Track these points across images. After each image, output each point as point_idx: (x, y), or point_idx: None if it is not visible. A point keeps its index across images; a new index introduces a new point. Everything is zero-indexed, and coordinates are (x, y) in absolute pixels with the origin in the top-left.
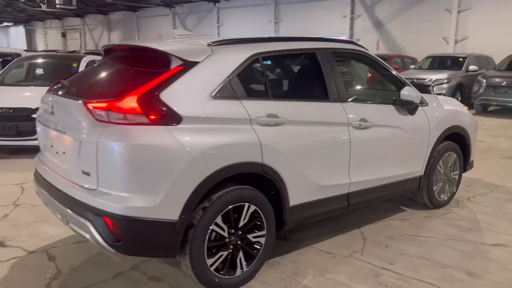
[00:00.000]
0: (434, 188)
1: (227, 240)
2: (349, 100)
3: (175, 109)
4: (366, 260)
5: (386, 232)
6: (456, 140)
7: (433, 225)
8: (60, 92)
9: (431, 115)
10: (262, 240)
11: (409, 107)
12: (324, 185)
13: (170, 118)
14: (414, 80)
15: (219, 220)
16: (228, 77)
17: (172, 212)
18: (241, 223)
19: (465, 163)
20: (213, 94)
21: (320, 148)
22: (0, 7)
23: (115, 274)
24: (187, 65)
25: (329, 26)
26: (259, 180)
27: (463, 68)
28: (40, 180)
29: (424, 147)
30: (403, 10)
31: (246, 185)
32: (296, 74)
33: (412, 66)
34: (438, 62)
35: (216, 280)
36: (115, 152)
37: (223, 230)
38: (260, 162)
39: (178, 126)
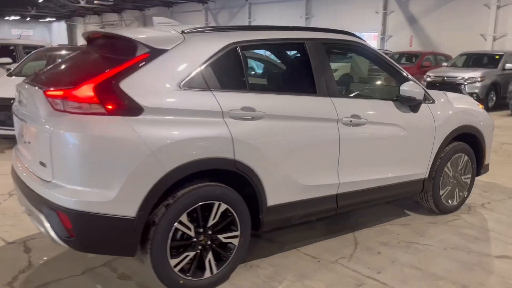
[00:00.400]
0: (441, 192)
1: (194, 240)
2: (341, 94)
3: (135, 99)
4: (352, 268)
5: (382, 238)
6: (468, 141)
7: (435, 232)
8: (30, 81)
9: (438, 113)
10: (236, 241)
11: (411, 104)
12: (308, 185)
13: (129, 108)
14: (445, 78)
15: (184, 218)
16: (200, 66)
17: (128, 208)
18: (211, 223)
19: (479, 167)
20: (182, 85)
21: (304, 145)
22: (42, 3)
23: (85, 270)
24: (154, 53)
25: (361, 22)
26: (233, 178)
27: (499, 66)
28: (12, 171)
29: (428, 147)
30: (438, 6)
31: (219, 182)
32: (280, 65)
33: (445, 64)
34: (473, 60)
35: (181, 282)
36: (69, 143)
37: (189, 229)
38: (231, 158)
39: (138, 117)
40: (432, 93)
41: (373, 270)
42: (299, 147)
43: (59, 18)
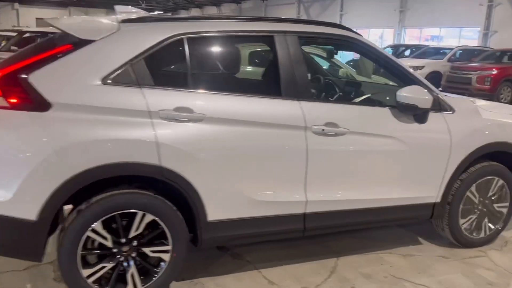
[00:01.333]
0: (461, 222)
1: (113, 250)
2: (316, 98)
3: (43, 93)
4: None
5: (369, 268)
6: (505, 162)
7: (441, 270)
8: None
9: (457, 126)
10: (166, 256)
11: (415, 113)
12: (263, 201)
13: (35, 103)
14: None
15: (98, 226)
16: (132, 60)
17: (28, 211)
18: (133, 234)
19: None
20: (104, 80)
21: (257, 155)
22: None
23: (28, 266)
24: (78, 44)
25: (460, 16)
26: (166, 187)
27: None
28: None
29: (440, 166)
30: None
31: (151, 190)
32: (238, 62)
33: None
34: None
35: None
36: None
37: (105, 239)
38: (157, 165)
39: (43, 113)
40: (453, 100)
41: None
42: (251, 157)
43: (166, 11)
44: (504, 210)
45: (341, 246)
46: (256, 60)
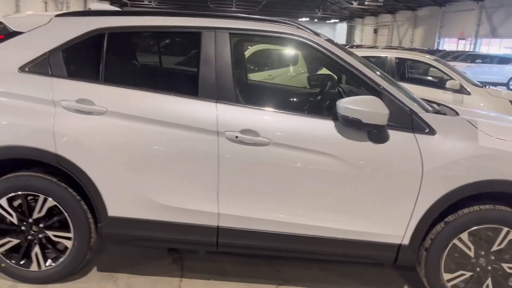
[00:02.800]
0: (447, 276)
1: (18, 227)
2: (237, 102)
3: None
4: None
5: None
6: None
7: None
8: None
9: (433, 152)
10: (69, 243)
11: (367, 129)
12: (169, 206)
13: None
14: None
15: (3, 203)
16: (51, 52)
17: None
18: (36, 215)
19: None
20: (22, 68)
21: (163, 156)
22: (328, 5)
23: None
24: (9, 35)
25: None
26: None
27: None
28: None
29: (406, 199)
30: None
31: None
32: (152, 58)
33: None
34: None
35: (3, 265)
36: None
37: (10, 215)
38: (53, 152)
39: None
40: (439, 119)
41: None
42: (156, 158)
43: (342, 19)
44: None
45: (293, 275)
46: (180, 57)
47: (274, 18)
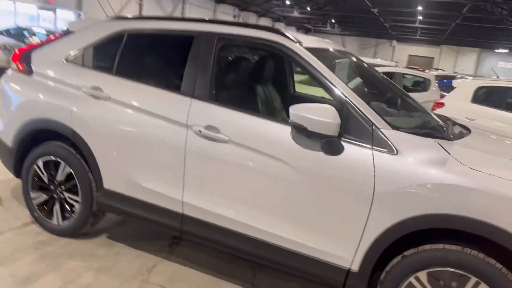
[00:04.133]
0: None
1: (47, 185)
2: (209, 99)
3: (32, 64)
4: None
5: None
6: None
7: None
8: None
9: (390, 173)
10: (78, 206)
11: (318, 139)
12: (145, 187)
13: (27, 70)
14: None
15: (40, 164)
16: (86, 48)
17: (8, 138)
18: (58, 178)
19: None
20: (66, 59)
21: (143, 141)
22: None
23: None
24: (65, 33)
25: None
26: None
27: None
28: None
29: (355, 220)
30: None
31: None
32: (155, 56)
33: None
34: None
35: (35, 214)
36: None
37: (43, 174)
38: (69, 126)
39: (29, 76)
40: (406, 137)
41: None
42: (138, 142)
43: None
44: None
45: (268, 282)
46: (175, 57)
47: (260, 25)
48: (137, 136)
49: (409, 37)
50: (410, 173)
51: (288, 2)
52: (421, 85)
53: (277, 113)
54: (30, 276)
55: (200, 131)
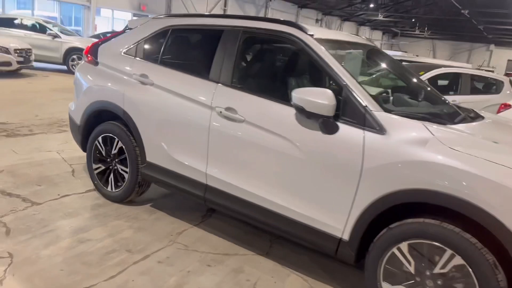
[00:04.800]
0: (385, 286)
1: (105, 158)
2: (232, 85)
3: (97, 56)
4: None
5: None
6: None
7: None
8: None
9: (376, 150)
10: (126, 176)
11: (315, 118)
12: (176, 160)
13: (94, 61)
14: None
15: (100, 139)
16: (139, 41)
17: (78, 117)
18: (113, 151)
19: None
20: (123, 51)
21: (176, 120)
22: None
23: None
24: (125, 30)
25: None
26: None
27: None
28: None
29: (345, 192)
30: None
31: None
32: (192, 48)
33: None
34: None
35: (95, 182)
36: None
37: (102, 148)
38: (121, 107)
39: (95, 67)
40: (395, 119)
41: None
42: (173, 121)
43: None
44: None
45: (281, 252)
46: (208, 47)
47: (279, 19)
48: (172, 116)
49: (509, 41)
50: (394, 151)
51: (372, 5)
52: (493, 87)
53: (286, 98)
54: (83, 227)
55: (221, 111)
